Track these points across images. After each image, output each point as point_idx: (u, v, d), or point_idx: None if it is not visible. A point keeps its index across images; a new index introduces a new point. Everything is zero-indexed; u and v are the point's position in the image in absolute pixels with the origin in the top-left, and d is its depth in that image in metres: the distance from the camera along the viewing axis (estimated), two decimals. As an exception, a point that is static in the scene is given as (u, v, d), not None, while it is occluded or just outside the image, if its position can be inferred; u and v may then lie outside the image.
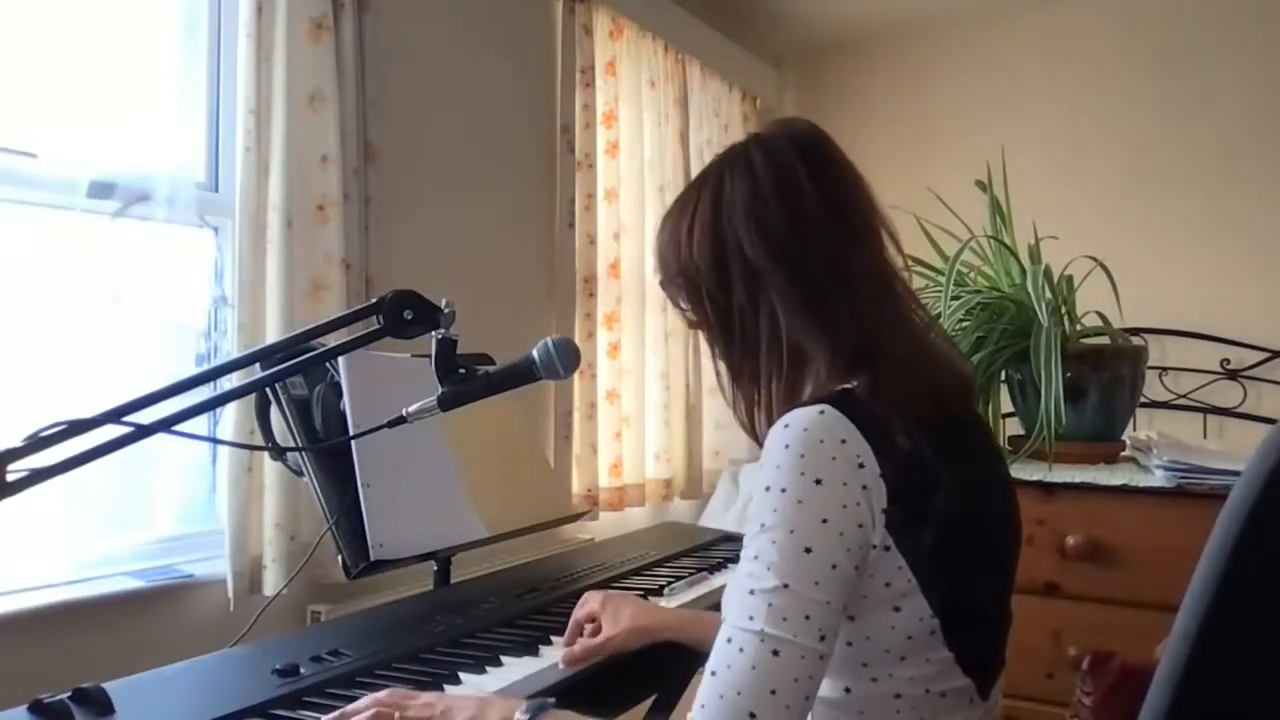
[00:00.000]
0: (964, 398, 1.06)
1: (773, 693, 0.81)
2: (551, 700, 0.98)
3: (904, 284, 1.03)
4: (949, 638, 0.91)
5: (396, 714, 0.99)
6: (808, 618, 0.83)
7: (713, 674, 0.84)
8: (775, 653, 0.82)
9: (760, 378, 1.00)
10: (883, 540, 0.87)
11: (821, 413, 0.88)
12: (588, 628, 1.27)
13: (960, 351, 1.01)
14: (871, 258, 1.01)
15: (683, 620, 1.29)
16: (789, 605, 0.83)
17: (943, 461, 0.92)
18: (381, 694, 1.01)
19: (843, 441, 0.87)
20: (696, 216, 1.02)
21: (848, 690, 0.91)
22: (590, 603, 1.29)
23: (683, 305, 1.06)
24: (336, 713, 0.99)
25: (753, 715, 0.81)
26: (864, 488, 0.86)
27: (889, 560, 0.88)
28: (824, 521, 0.85)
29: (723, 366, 1.04)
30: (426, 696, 1.02)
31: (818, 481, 0.85)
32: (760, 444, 0.94)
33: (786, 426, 0.89)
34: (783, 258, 0.97)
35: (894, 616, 0.89)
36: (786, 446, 0.87)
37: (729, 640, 0.85)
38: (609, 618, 1.25)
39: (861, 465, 0.87)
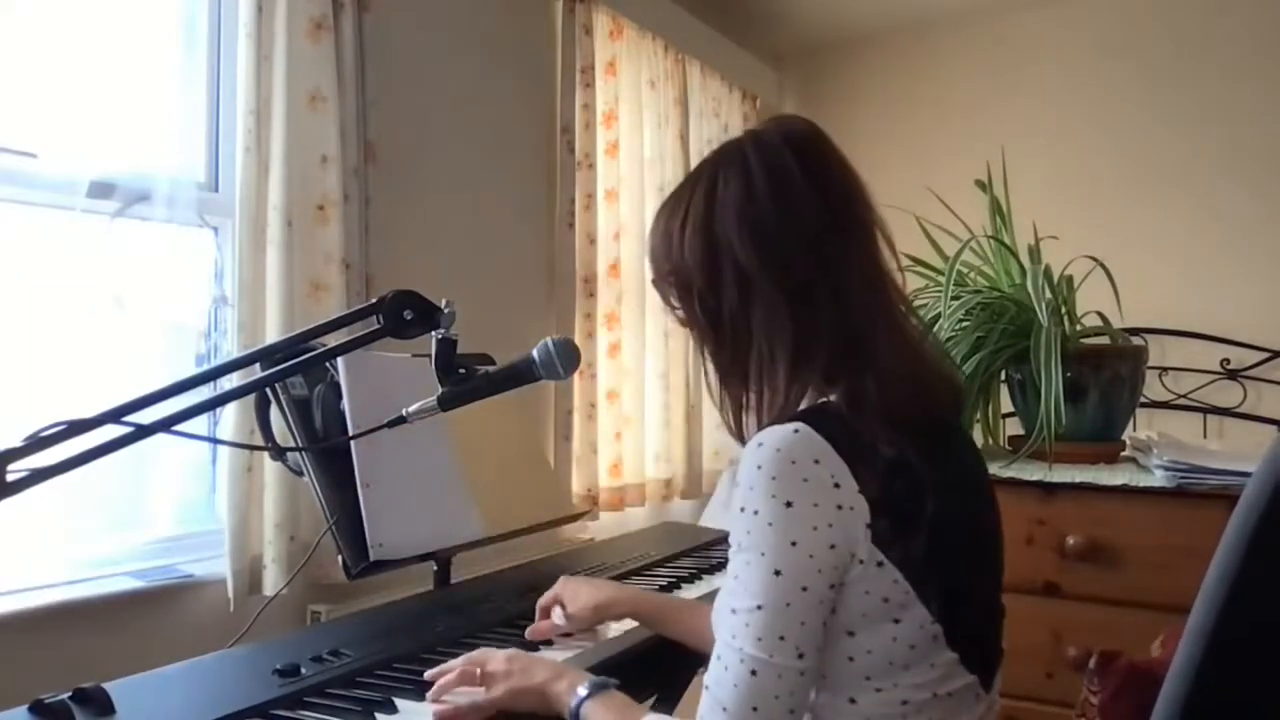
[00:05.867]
0: (952, 405, 1.06)
1: (754, 709, 0.85)
2: (615, 682, 1.01)
3: (897, 288, 1.02)
4: (951, 640, 0.91)
5: (478, 670, 1.04)
6: (782, 638, 0.85)
7: (707, 688, 0.88)
8: (754, 672, 0.85)
9: (749, 381, 0.99)
10: (871, 556, 0.87)
11: (796, 431, 0.88)
12: (556, 610, 1.30)
13: (951, 359, 1.00)
14: (865, 262, 0.99)
15: (637, 598, 1.32)
16: (764, 626, 0.85)
17: (928, 463, 0.91)
18: (474, 654, 1.07)
19: (816, 462, 0.86)
20: (689, 215, 1.00)
21: (852, 700, 0.91)
22: (555, 586, 1.32)
23: (674, 304, 1.04)
24: (433, 670, 1.07)
25: None
26: (839, 507, 0.86)
27: (882, 575, 0.88)
28: (793, 544, 0.85)
29: (711, 367, 1.03)
30: (508, 652, 1.07)
31: (788, 504, 0.86)
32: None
33: (760, 446, 0.88)
34: (774, 262, 0.95)
35: (895, 628, 0.89)
36: (759, 467, 0.87)
37: (718, 657, 0.88)
38: (569, 599, 1.29)
39: (837, 485, 0.86)
